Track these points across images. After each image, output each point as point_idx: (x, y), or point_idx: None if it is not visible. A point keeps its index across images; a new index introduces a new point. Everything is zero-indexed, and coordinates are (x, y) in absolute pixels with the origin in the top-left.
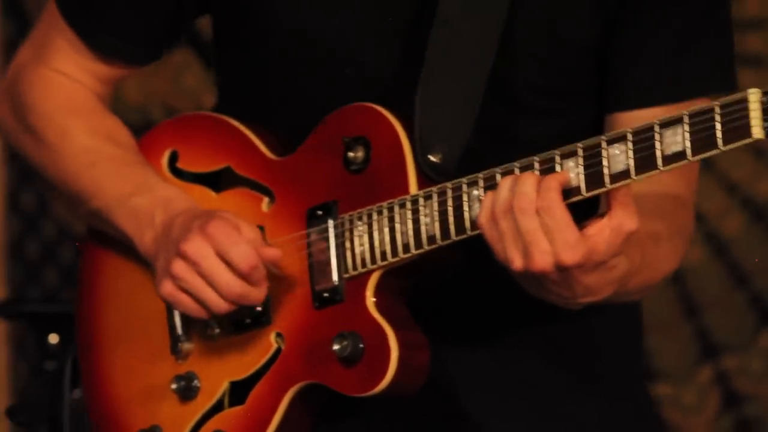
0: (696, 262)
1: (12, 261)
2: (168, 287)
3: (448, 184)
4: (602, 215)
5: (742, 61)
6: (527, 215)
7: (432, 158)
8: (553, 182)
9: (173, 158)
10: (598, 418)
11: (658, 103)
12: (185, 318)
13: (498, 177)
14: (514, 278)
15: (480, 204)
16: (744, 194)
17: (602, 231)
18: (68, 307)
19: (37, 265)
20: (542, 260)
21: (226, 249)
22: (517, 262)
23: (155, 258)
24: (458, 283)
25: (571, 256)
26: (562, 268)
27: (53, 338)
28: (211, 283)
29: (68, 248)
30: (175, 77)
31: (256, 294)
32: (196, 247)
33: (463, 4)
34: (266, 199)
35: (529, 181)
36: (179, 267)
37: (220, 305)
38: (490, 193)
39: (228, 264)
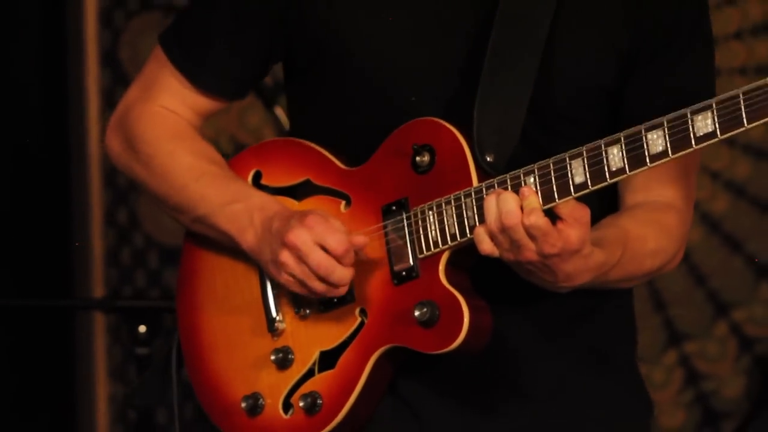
0: None
1: (108, 266)
2: (282, 275)
3: (507, 175)
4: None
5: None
6: (517, 229)
7: (488, 158)
8: (535, 203)
9: (257, 177)
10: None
11: None
12: (278, 301)
13: (551, 165)
14: (510, 266)
15: (475, 234)
16: (701, 211)
17: (570, 224)
18: (154, 303)
19: (129, 269)
20: (530, 255)
21: (323, 236)
22: (510, 257)
23: (259, 251)
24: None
25: (552, 249)
26: (546, 256)
27: (142, 328)
28: (312, 267)
29: (154, 255)
30: (241, 116)
31: (347, 274)
32: (297, 236)
33: (510, 45)
34: (343, 202)
35: (511, 199)
36: (285, 255)
37: (318, 285)
38: (480, 227)
39: (325, 249)
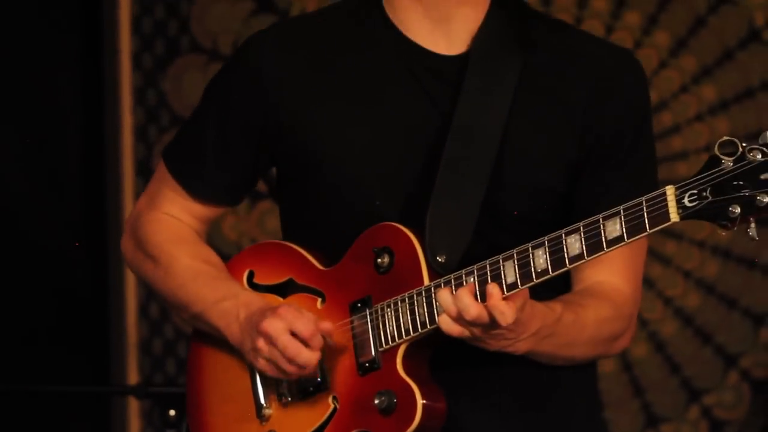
0: (641, 356)
1: (142, 355)
2: (258, 360)
3: (452, 276)
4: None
5: None
6: (482, 316)
7: (439, 259)
8: (495, 290)
9: (251, 276)
10: None
11: None
12: (266, 390)
13: (487, 266)
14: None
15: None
16: (675, 306)
17: (515, 304)
18: (183, 390)
19: (161, 358)
20: (498, 344)
21: (292, 322)
22: (484, 341)
23: (241, 342)
24: (458, 348)
25: (508, 320)
26: (509, 328)
27: (172, 412)
28: (281, 350)
29: (184, 345)
30: (260, 220)
31: (313, 356)
32: (269, 324)
33: (463, 155)
34: (319, 300)
35: (463, 295)
36: (260, 343)
37: (288, 367)
38: (443, 316)
39: (294, 335)
